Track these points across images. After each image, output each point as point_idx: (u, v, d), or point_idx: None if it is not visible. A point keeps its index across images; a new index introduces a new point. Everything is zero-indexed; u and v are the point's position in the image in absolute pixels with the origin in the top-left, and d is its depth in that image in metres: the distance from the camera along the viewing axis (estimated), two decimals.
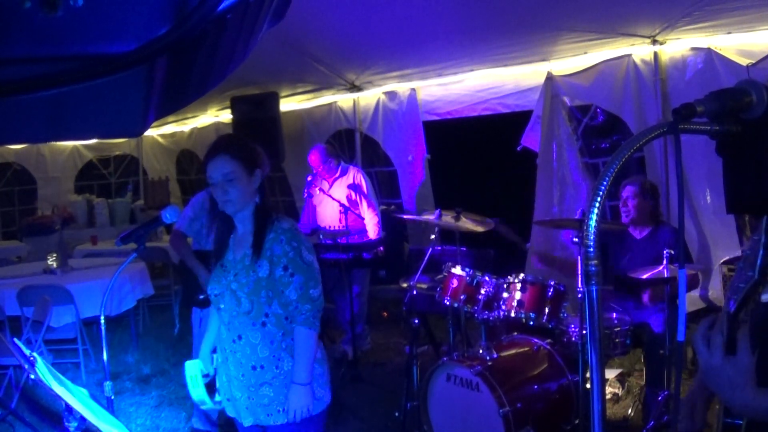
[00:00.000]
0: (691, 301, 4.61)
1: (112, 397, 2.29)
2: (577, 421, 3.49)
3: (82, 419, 1.82)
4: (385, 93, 6.94)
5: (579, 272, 3.54)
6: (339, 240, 5.15)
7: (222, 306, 2.34)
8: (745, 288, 1.21)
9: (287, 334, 2.28)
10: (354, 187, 5.45)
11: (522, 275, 3.71)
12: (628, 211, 4.05)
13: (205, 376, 2.46)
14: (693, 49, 4.74)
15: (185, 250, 3.88)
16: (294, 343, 2.26)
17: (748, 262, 1.22)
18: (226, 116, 8.51)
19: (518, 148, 5.90)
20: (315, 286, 2.27)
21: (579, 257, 3.64)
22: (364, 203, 5.45)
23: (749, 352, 1.20)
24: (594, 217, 1.02)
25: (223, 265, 2.37)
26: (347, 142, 7.59)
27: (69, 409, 1.82)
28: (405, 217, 4.92)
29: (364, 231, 5.42)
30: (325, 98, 7.54)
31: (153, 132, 10.41)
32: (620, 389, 4.39)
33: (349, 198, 5.39)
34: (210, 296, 2.39)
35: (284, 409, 2.25)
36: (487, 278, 3.77)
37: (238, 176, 2.27)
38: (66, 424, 1.84)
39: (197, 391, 2.41)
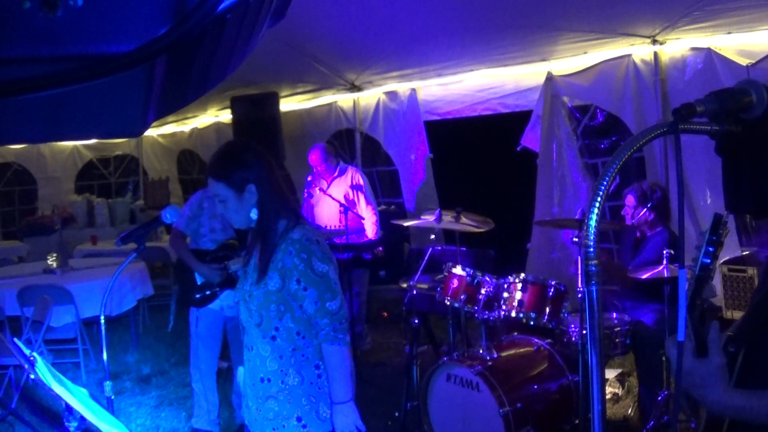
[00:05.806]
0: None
1: (112, 397, 2.28)
2: (577, 421, 3.49)
3: (82, 419, 1.82)
4: (386, 93, 6.94)
5: (579, 272, 3.54)
6: (336, 240, 5.15)
7: (240, 313, 2.34)
8: (692, 285, 1.30)
9: (298, 350, 2.21)
10: (354, 186, 5.46)
11: (522, 275, 3.71)
12: (632, 219, 4.09)
13: None
14: (693, 49, 4.73)
15: (183, 249, 3.90)
16: (325, 363, 2.21)
17: (696, 259, 1.32)
18: (226, 116, 8.50)
19: (518, 148, 5.90)
20: (332, 298, 2.16)
21: (579, 257, 3.64)
22: (363, 202, 5.46)
23: (720, 354, 1.28)
24: (594, 217, 1.03)
25: (246, 272, 2.31)
26: (348, 141, 7.59)
27: (69, 409, 1.82)
28: (405, 224, 4.90)
29: (363, 230, 5.43)
30: (325, 98, 7.54)
31: (153, 132, 10.41)
32: (620, 389, 4.39)
33: (347, 197, 5.40)
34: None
35: (287, 425, 2.21)
36: (487, 278, 3.77)
37: (226, 198, 2.20)
38: (66, 424, 1.84)
39: None
